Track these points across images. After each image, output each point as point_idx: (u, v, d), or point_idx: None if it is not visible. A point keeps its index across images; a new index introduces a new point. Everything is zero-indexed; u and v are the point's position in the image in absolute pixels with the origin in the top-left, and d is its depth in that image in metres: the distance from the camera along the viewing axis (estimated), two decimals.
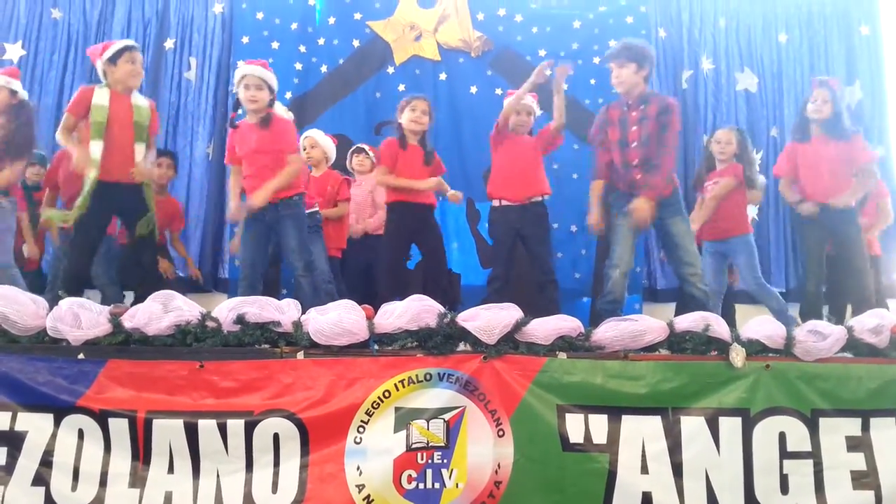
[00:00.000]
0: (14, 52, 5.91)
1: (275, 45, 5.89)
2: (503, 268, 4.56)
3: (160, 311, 3.24)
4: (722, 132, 5.05)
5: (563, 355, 3.29)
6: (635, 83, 4.15)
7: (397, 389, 3.14)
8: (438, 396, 3.16)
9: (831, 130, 4.60)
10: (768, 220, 6.29)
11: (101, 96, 4.08)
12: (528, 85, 4.52)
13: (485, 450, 3.12)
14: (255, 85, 4.16)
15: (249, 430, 3.05)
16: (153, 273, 4.30)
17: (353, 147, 5.49)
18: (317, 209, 4.77)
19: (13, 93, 4.36)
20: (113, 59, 4.12)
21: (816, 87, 4.68)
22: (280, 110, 4.58)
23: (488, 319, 3.25)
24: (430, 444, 3.10)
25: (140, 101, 4.21)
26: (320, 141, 5.13)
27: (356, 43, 6.03)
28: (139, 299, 3.74)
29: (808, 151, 4.65)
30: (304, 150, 5.00)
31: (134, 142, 4.12)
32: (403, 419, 3.12)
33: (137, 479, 3.02)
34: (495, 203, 4.63)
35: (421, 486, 3.07)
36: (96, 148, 4.02)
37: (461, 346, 3.26)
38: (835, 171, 4.59)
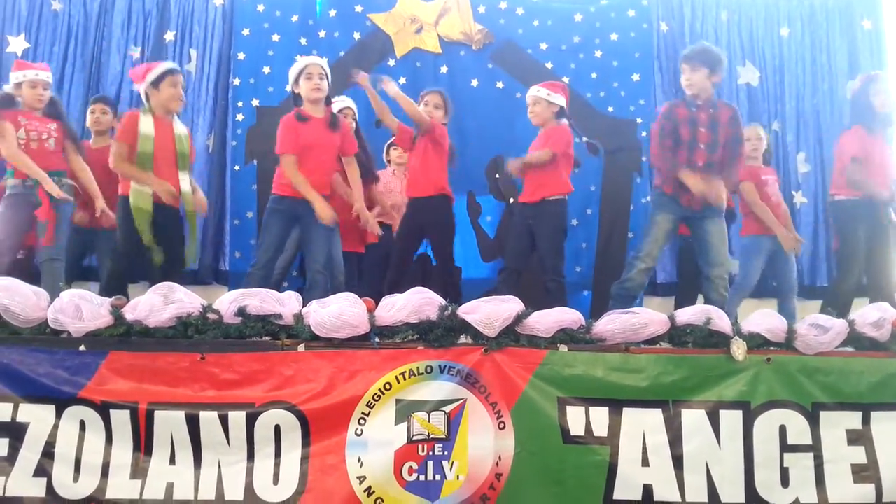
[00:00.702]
0: (18, 44, 5.88)
1: (275, 37, 5.87)
2: (513, 262, 4.58)
3: (161, 303, 3.24)
4: (748, 129, 5.02)
5: (563, 348, 3.30)
6: (705, 87, 4.19)
7: (398, 382, 3.15)
8: (439, 389, 3.16)
9: (879, 123, 4.66)
10: None
11: (146, 124, 4.08)
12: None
13: (486, 442, 3.13)
14: (318, 74, 4.26)
15: (251, 421, 3.06)
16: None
17: (391, 140, 5.49)
18: None
19: None
20: (155, 83, 4.14)
21: (882, 80, 4.71)
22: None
23: (489, 312, 3.25)
24: (431, 437, 3.11)
25: (180, 128, 4.26)
26: None
27: (357, 35, 6.00)
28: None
29: (874, 142, 4.65)
30: None
31: (178, 171, 4.17)
32: (404, 411, 3.12)
33: (139, 471, 3.03)
34: (511, 199, 4.66)
35: (422, 477, 3.08)
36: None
37: (462, 339, 3.26)
38: (879, 163, 4.63)
